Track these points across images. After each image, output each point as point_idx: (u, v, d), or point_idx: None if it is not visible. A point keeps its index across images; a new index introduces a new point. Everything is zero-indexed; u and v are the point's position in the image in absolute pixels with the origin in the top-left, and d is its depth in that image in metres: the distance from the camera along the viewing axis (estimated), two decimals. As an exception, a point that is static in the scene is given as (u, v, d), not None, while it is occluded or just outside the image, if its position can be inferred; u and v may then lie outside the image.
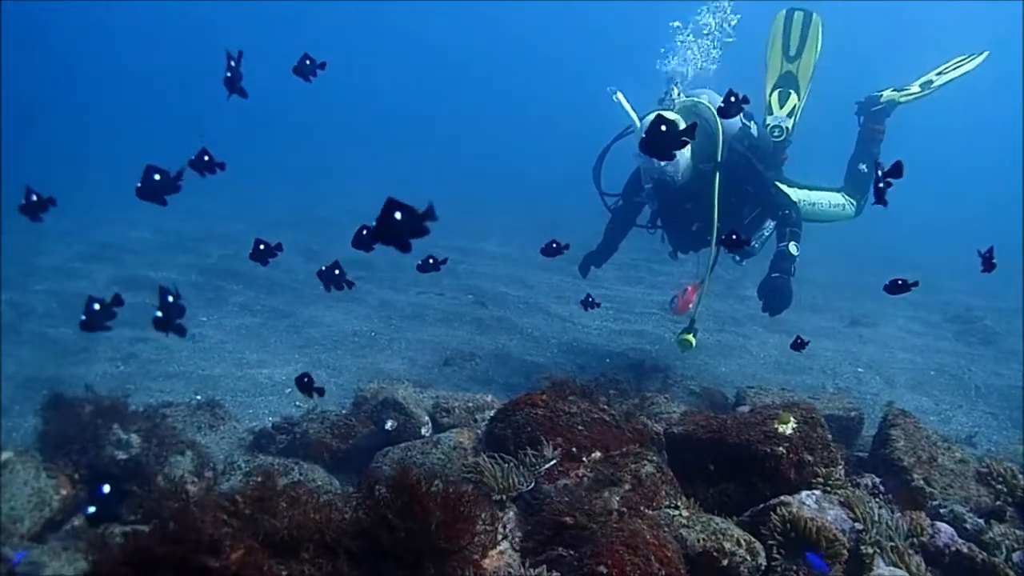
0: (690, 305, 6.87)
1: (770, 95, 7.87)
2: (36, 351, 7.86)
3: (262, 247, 4.18)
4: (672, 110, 6.97)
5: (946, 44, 8.28)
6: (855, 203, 7.92)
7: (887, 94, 8.12)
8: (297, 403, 6.69)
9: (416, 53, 49.01)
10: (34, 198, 3.51)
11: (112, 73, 40.66)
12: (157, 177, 3.45)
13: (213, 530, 2.13)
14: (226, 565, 2.07)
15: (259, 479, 2.38)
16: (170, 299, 3.34)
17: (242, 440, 5.70)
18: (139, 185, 3.45)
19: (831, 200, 7.82)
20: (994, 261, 3.83)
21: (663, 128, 3.37)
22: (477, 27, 48.24)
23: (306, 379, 3.76)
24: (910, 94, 8.08)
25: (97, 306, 3.31)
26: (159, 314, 3.27)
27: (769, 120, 7.70)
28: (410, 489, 2.28)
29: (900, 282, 3.79)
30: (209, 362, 7.73)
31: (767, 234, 7.32)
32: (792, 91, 7.79)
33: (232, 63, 3.80)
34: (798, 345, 5.29)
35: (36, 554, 3.85)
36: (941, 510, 4.07)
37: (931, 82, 8.11)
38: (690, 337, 6.69)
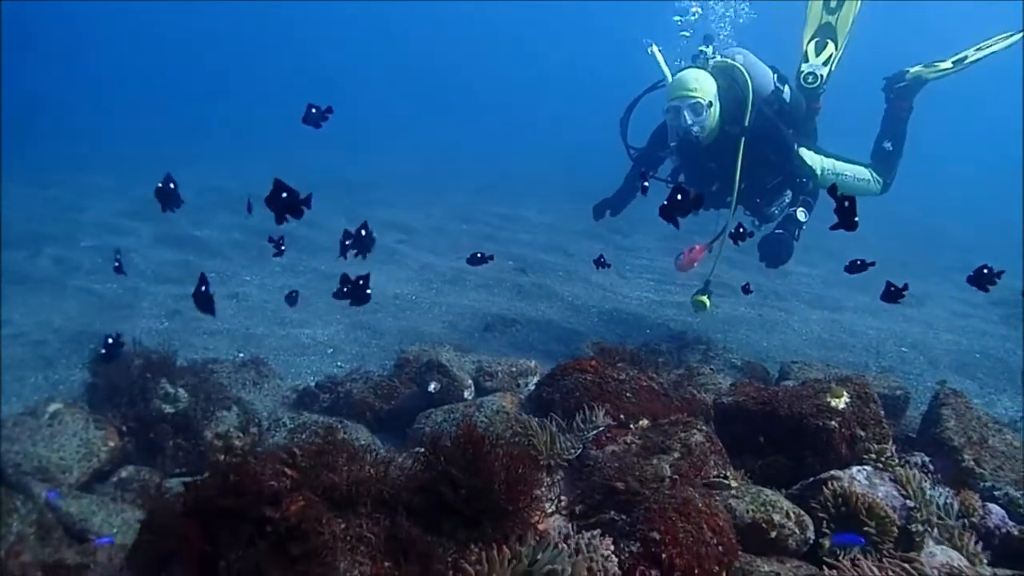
0: (695, 263, 6.94)
1: (807, 45, 7.82)
2: (82, 306, 7.98)
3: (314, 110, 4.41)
4: (706, 69, 6.99)
5: (946, 44, 8.08)
6: (881, 181, 7.90)
7: (914, 70, 8.03)
8: (339, 363, 6.74)
9: (453, 25, 48.60)
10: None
11: (132, 51, 40.86)
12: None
13: (274, 481, 2.14)
14: (286, 516, 2.07)
15: (321, 432, 2.38)
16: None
17: (286, 398, 5.77)
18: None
19: (857, 173, 7.78)
20: None
21: (679, 197, 3.54)
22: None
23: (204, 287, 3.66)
24: (940, 70, 7.94)
25: (111, 340, 3.98)
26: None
27: (804, 67, 7.69)
28: (475, 445, 2.27)
29: (859, 263, 4.01)
30: (252, 320, 7.80)
31: (787, 201, 7.29)
32: (829, 40, 7.74)
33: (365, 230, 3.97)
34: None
35: (85, 503, 3.92)
36: (995, 492, 3.99)
37: (966, 58, 7.93)
38: (704, 298, 6.83)
